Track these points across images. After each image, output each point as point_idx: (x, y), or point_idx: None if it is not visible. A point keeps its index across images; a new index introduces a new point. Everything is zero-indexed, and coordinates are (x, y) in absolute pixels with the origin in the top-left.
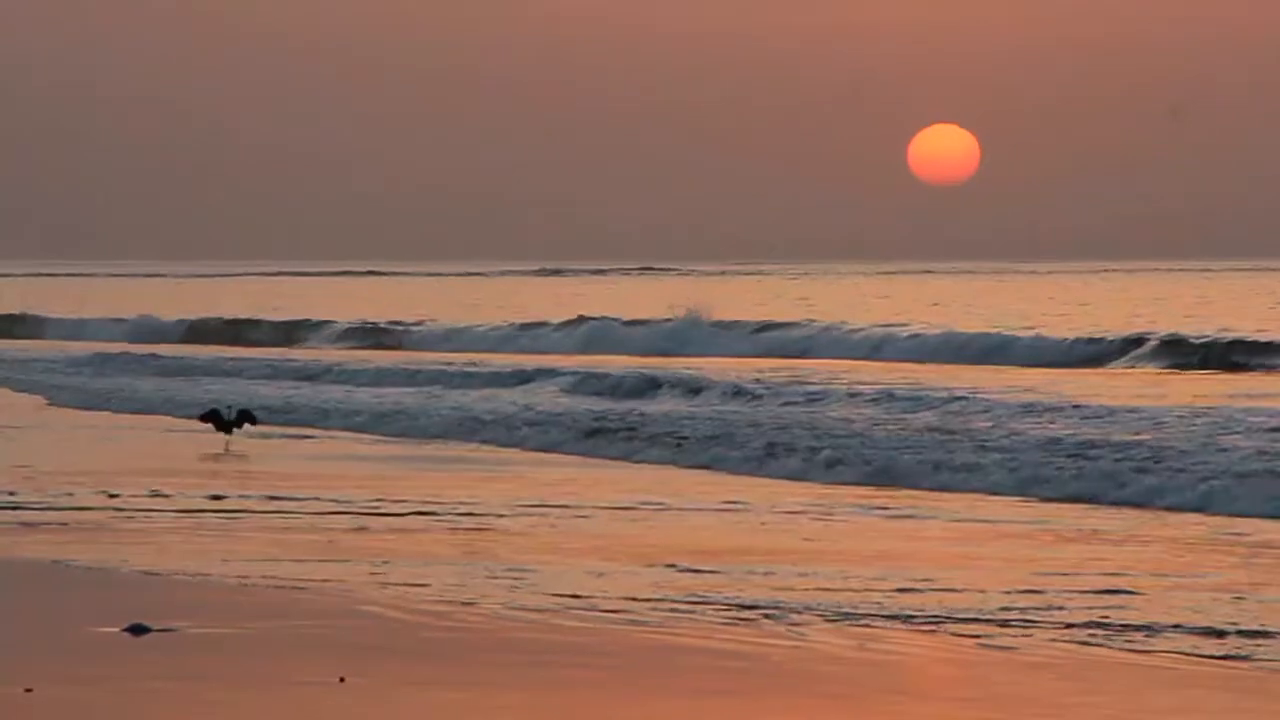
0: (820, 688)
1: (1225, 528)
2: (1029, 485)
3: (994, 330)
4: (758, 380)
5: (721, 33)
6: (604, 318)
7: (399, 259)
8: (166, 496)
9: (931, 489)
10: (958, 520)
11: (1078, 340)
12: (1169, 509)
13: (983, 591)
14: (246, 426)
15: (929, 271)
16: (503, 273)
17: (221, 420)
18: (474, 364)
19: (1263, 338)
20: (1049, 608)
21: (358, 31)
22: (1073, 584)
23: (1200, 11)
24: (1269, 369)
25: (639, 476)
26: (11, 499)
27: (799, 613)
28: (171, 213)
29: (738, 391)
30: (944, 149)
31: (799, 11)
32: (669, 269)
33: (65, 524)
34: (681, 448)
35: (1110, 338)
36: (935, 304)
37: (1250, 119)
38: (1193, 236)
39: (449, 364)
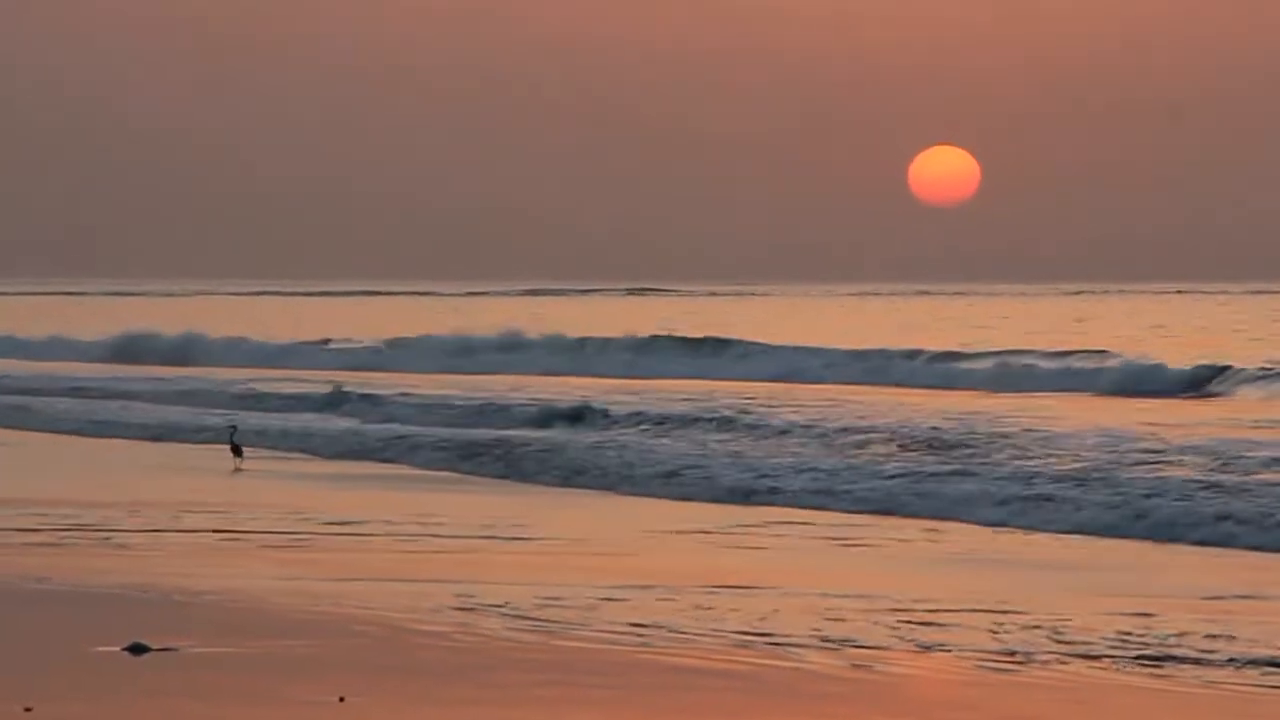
0: (816, 708)
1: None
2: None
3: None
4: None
5: (719, 51)
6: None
7: (402, 279)
8: (165, 517)
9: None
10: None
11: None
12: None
13: (979, 612)
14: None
15: (926, 292)
16: (500, 293)
17: (236, 447)
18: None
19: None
20: (1052, 629)
21: (349, 47)
22: (1073, 606)
23: (1204, 31)
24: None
25: (599, 503)
26: (8, 518)
27: (793, 634)
28: (158, 231)
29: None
30: (944, 170)
31: (798, 31)
32: (664, 289)
33: (63, 543)
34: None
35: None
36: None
37: (1257, 137)
38: (1198, 258)
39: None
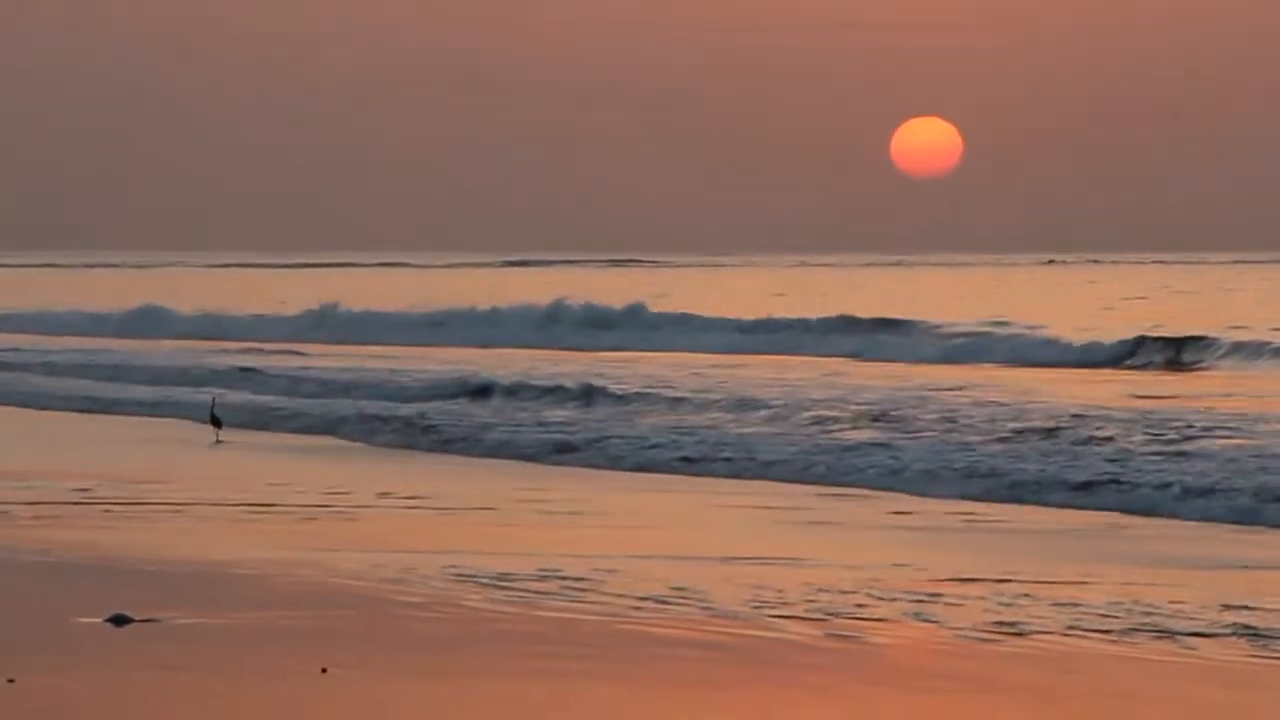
0: (803, 679)
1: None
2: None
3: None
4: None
5: (703, 25)
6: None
7: (389, 250)
8: (146, 488)
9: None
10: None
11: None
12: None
13: (965, 582)
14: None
15: (899, 263)
16: (480, 264)
17: (217, 419)
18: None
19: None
20: (1042, 599)
21: (334, 24)
22: (1062, 577)
23: (1189, 2)
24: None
25: (567, 475)
26: None
27: (778, 605)
28: (144, 204)
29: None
30: (927, 141)
31: (780, 4)
32: (648, 261)
33: (46, 515)
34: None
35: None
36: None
37: (1238, 113)
38: (1179, 229)
39: None
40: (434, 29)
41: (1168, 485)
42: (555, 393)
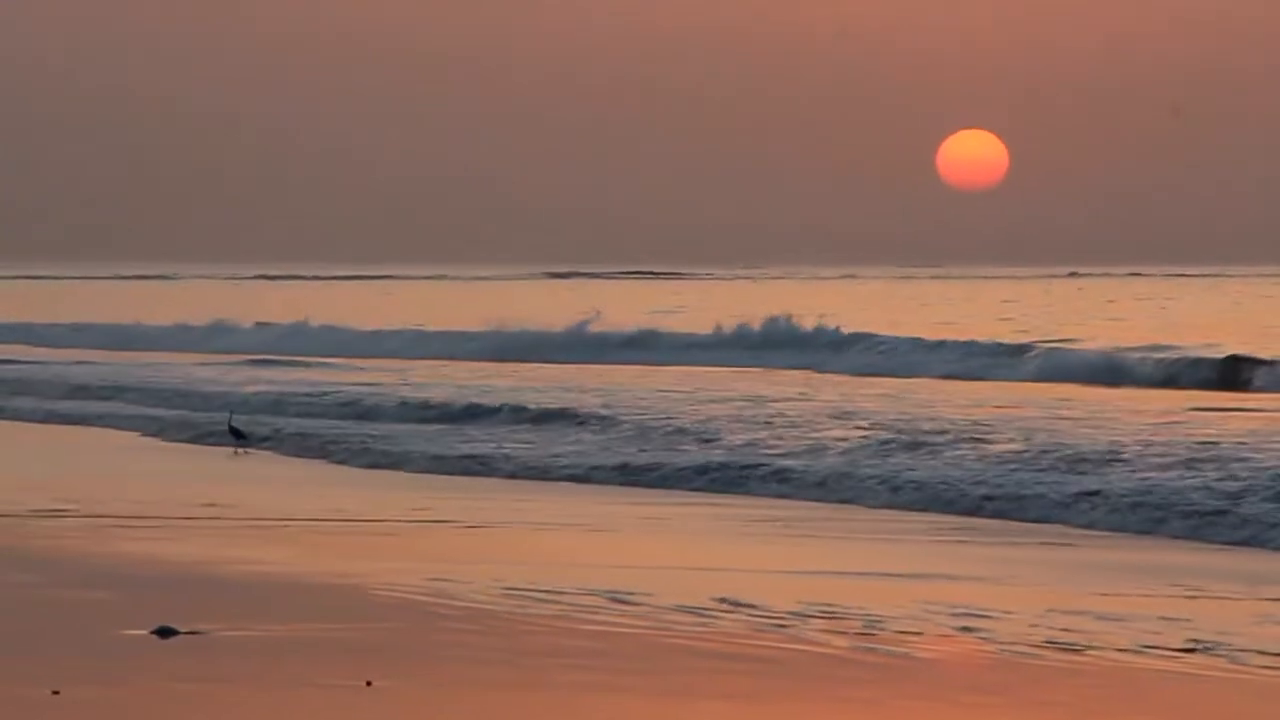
0: (841, 692)
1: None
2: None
3: None
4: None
5: (750, 33)
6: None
7: (416, 262)
8: (187, 502)
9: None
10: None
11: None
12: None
13: (1006, 596)
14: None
15: (935, 276)
16: (516, 277)
17: (236, 431)
18: None
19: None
20: (1084, 615)
21: (356, 25)
22: (1109, 591)
23: (1233, 14)
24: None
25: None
26: (30, 502)
27: (815, 618)
28: (162, 214)
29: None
30: (973, 154)
31: (826, 14)
32: (688, 273)
33: (91, 526)
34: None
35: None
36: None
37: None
38: (1223, 243)
39: None
40: (461, 32)
41: (1209, 504)
42: (549, 416)
